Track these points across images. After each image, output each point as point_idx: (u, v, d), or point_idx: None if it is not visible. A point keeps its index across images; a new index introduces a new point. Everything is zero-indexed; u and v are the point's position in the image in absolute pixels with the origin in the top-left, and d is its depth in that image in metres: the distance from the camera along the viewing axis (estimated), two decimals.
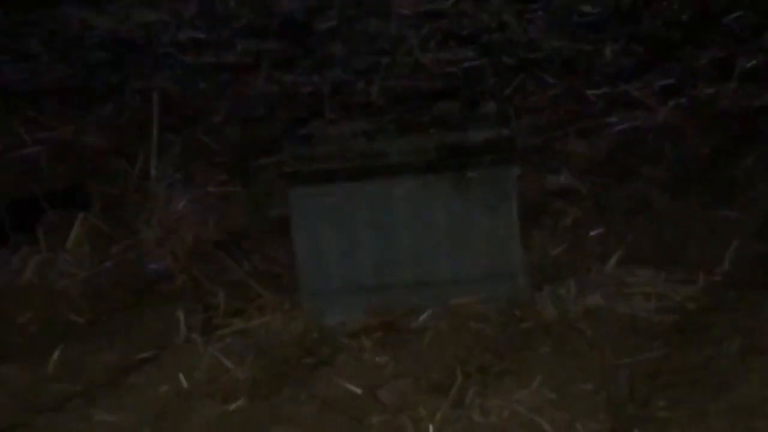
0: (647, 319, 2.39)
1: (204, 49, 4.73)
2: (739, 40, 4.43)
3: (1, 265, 2.63)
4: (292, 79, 4.24)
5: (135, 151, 3.14)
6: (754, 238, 2.80)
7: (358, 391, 2.14)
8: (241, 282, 2.55)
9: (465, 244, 2.42)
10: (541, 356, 2.25)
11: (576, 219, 2.81)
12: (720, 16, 4.77)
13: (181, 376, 2.19)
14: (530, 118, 3.52)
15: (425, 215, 2.41)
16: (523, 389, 2.11)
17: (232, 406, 2.11)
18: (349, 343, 2.31)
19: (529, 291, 2.45)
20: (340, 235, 2.42)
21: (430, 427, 1.98)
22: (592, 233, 2.74)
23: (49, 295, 2.56)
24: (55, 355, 2.28)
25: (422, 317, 2.37)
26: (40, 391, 2.19)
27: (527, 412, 2.04)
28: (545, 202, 2.87)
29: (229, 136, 3.51)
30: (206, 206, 2.94)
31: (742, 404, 2.07)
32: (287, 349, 2.33)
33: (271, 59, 4.52)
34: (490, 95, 3.31)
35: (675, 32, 4.69)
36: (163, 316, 2.43)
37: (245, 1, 5.68)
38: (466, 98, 3.15)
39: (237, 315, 2.42)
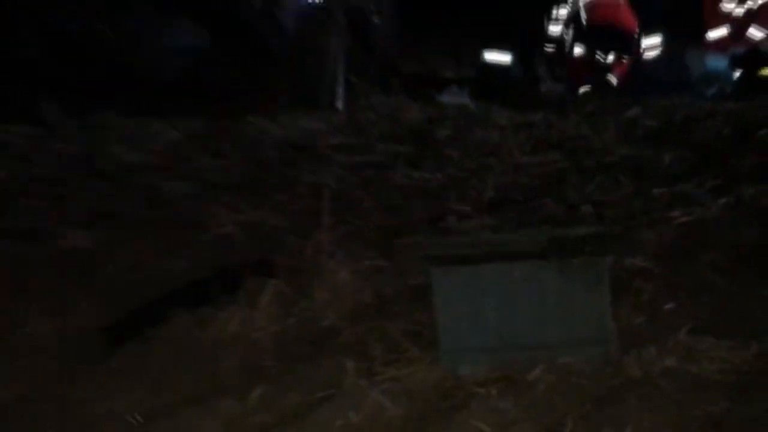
0: (713, 378, 2.34)
1: (352, 151, 4.80)
2: None
3: (212, 320, 2.64)
4: (420, 175, 4.28)
5: (308, 231, 3.17)
6: None
7: (489, 429, 2.11)
8: (393, 338, 2.54)
9: (569, 315, 2.40)
10: (630, 407, 2.20)
11: (651, 295, 2.76)
12: (755, 130, 4.72)
13: (351, 413, 2.19)
14: (608, 211, 3.49)
15: (538, 292, 2.39)
16: None
17: None
18: (478, 391, 2.29)
19: (618, 354, 2.41)
20: (471, 306, 2.41)
21: None
22: (666, 307, 2.69)
23: (248, 343, 2.57)
24: (255, 393, 2.31)
25: (535, 371, 2.33)
26: (245, 422, 2.20)
27: None
28: (626, 281, 2.81)
29: (375, 220, 3.53)
30: (362, 276, 2.94)
31: None
32: (429, 393, 2.32)
33: (404, 159, 4.57)
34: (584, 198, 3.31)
35: (719, 143, 4.66)
36: (335, 364, 2.42)
37: (381, 114, 5.78)
38: (566, 200, 3.18)
39: (390, 364, 2.41)
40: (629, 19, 7.34)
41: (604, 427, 2.08)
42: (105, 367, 2.42)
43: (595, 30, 7.11)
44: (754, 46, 7.76)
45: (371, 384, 2.29)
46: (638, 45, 7.34)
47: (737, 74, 7.26)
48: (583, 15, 7.18)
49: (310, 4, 6.35)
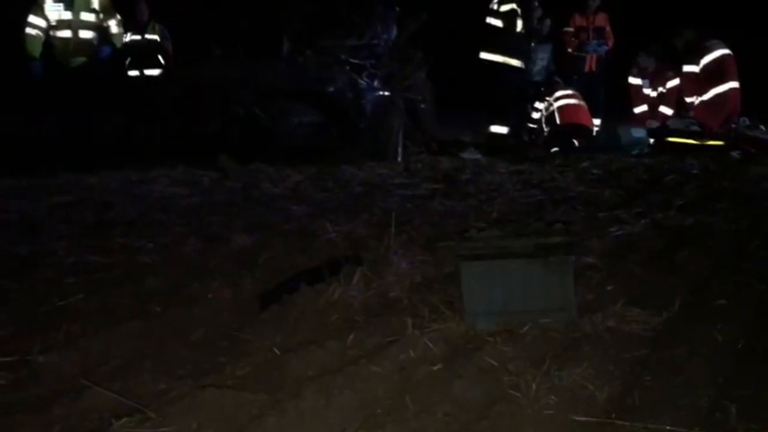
0: (638, 334, 2.29)
1: (405, 188, 4.79)
2: (673, 191, 4.27)
3: (324, 292, 2.60)
4: (450, 203, 4.24)
5: (381, 238, 3.14)
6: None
7: (496, 364, 2.09)
8: (435, 305, 2.52)
9: (547, 293, 2.36)
10: (585, 351, 2.17)
11: (598, 281, 2.71)
12: (662, 177, 4.62)
13: (410, 350, 2.15)
14: (572, 227, 3.41)
15: (528, 278, 2.36)
16: (576, 368, 2.04)
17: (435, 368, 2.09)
18: (489, 339, 2.26)
19: (577, 318, 2.38)
20: (484, 286, 2.38)
21: (533, 385, 1.93)
22: (607, 288, 2.65)
23: (346, 306, 2.54)
24: (350, 337, 2.26)
25: (525, 328, 2.30)
26: (343, 355, 2.17)
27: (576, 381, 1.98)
28: (583, 272, 2.77)
29: (423, 232, 3.49)
30: (415, 266, 2.92)
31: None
32: (458, 340, 2.30)
33: (440, 193, 4.55)
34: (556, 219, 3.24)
35: (640, 184, 4.57)
36: (399, 320, 2.39)
37: (425, 165, 5.75)
38: (544, 220, 3.13)
39: (434, 322, 2.38)
40: (588, 118, 7.24)
41: (568, 362, 2.05)
42: (260, 319, 2.43)
43: (566, 127, 7.02)
44: (664, 119, 7.60)
45: (422, 334, 2.26)
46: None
47: (652, 141, 7.12)
48: (557, 116, 7.09)
49: (380, 95, 6.36)
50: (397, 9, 6.62)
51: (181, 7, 7.19)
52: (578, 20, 8.32)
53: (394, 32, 6.58)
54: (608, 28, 8.27)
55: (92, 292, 2.59)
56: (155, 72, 7.42)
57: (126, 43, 6.90)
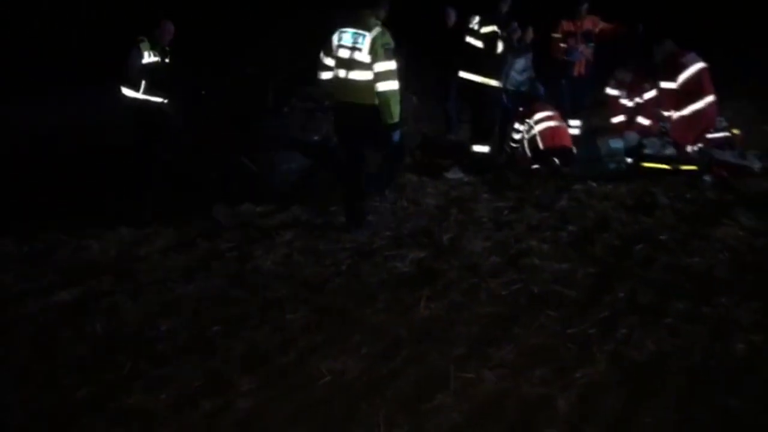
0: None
1: (394, 259, 4.83)
2: (640, 275, 4.41)
3: None
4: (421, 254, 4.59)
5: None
6: None
7: None
8: None
9: None
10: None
11: None
12: (632, 247, 4.82)
13: None
14: None
15: None
16: None
17: None
18: None
19: None
20: None
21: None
22: None
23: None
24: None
25: None
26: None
27: None
28: None
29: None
30: None
31: None
32: None
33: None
34: None
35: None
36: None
37: (410, 199, 5.89)
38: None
39: None
40: (568, 138, 7.35)
41: None
42: None
43: (548, 150, 7.12)
44: (642, 129, 7.74)
45: None
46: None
47: (629, 160, 7.28)
48: (539, 140, 7.19)
49: None
50: None
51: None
52: (566, 26, 8.36)
53: None
54: (598, 30, 8.26)
55: None
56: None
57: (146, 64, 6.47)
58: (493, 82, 7.13)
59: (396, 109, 4.76)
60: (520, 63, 7.82)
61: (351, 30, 4.80)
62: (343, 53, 4.82)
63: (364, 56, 4.69)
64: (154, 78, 6.49)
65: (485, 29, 6.97)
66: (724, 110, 9.25)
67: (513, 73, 7.79)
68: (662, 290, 4.13)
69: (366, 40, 4.69)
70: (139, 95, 6.45)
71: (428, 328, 3.74)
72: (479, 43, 7.01)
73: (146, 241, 5.39)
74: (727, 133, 7.43)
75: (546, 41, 8.36)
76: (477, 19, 7.02)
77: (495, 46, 6.96)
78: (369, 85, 4.73)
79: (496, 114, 7.45)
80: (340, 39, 4.85)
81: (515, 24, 7.38)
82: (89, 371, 3.35)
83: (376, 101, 4.73)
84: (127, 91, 6.51)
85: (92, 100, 10.43)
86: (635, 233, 5.13)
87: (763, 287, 4.12)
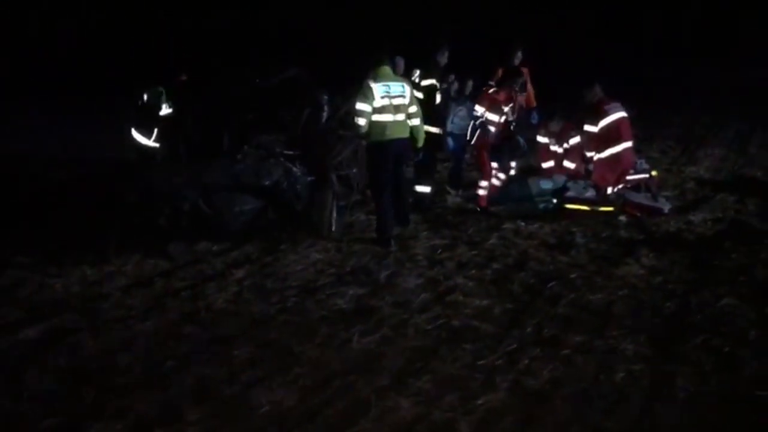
0: None
1: (336, 296, 5.36)
2: (547, 314, 4.95)
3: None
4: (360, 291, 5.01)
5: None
6: None
7: None
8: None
9: None
10: None
11: None
12: (545, 286, 5.37)
13: None
14: None
15: None
16: None
17: None
18: None
19: None
20: None
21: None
22: None
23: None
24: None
25: None
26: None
27: None
28: None
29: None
30: None
31: None
32: None
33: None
34: None
35: (526, 295, 5.12)
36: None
37: (355, 236, 6.29)
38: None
39: None
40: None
41: None
42: None
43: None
44: (569, 172, 8.37)
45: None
46: None
47: (555, 201, 7.88)
48: None
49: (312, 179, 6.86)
50: (325, 96, 7.11)
51: None
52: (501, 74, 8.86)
53: (326, 115, 7.09)
54: (529, 86, 8.81)
55: None
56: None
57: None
58: (434, 129, 7.72)
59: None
60: (462, 111, 8.45)
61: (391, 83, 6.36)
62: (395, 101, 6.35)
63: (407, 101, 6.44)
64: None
65: (425, 82, 7.64)
66: (650, 152, 10.06)
67: (456, 119, 8.43)
68: (565, 324, 4.63)
69: (407, 89, 6.45)
70: (150, 142, 7.38)
71: (359, 360, 4.18)
72: (420, 95, 7.62)
73: (107, 279, 5.75)
74: (646, 175, 8.16)
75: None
76: (418, 72, 7.68)
77: (433, 97, 7.60)
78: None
79: (435, 157, 8.03)
80: (387, 90, 6.32)
81: (452, 77, 8.04)
82: (55, 403, 3.78)
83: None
84: (139, 137, 7.38)
85: (56, 132, 10.65)
86: (550, 272, 5.67)
87: (651, 321, 4.67)
